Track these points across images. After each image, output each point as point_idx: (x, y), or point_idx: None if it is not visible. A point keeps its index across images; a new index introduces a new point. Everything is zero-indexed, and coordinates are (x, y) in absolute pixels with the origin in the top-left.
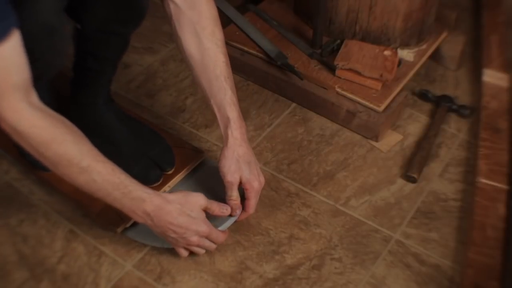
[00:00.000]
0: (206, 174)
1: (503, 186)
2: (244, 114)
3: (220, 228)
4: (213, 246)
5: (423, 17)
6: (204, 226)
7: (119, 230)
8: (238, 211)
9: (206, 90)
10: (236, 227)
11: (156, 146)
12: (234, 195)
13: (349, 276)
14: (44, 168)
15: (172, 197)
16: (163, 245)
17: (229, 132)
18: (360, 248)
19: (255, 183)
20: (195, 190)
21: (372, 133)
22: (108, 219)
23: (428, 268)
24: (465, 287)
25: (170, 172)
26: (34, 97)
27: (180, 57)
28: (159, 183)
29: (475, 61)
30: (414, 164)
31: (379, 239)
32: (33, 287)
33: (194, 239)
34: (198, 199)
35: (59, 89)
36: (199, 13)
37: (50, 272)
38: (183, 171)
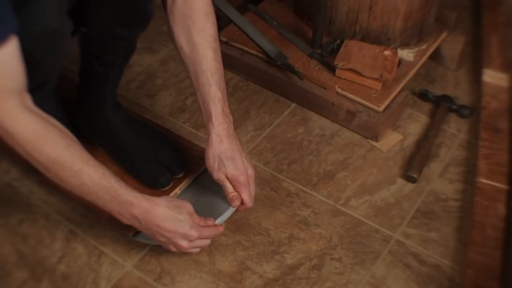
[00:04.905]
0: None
1: (503, 186)
2: (244, 114)
3: (217, 222)
4: (206, 243)
5: (423, 17)
6: (192, 231)
7: (131, 234)
8: (238, 202)
9: (194, 83)
10: (236, 227)
11: (165, 150)
12: (229, 189)
13: (349, 276)
14: None
15: (160, 201)
16: None
17: (211, 128)
18: (360, 248)
19: (241, 177)
20: (204, 191)
21: (372, 133)
22: (119, 224)
23: (428, 268)
24: (465, 287)
25: (180, 176)
26: (29, 101)
27: None
28: (169, 186)
29: (475, 61)
30: (414, 164)
31: (379, 239)
32: (33, 287)
33: (184, 243)
34: (186, 205)
35: (65, 94)
36: (191, 8)
37: (50, 272)
38: (192, 174)
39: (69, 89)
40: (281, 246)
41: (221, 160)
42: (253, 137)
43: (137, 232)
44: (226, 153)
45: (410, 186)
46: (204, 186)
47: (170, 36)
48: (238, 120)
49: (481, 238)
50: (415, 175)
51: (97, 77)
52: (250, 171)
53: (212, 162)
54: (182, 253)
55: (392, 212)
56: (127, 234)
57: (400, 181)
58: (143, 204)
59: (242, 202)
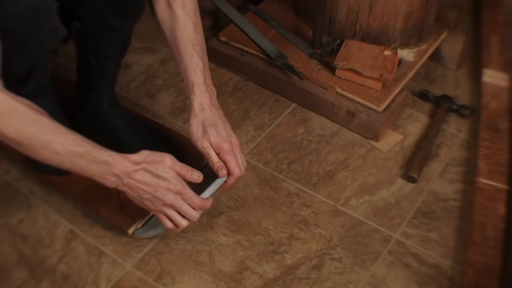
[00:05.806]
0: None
1: (503, 186)
2: (244, 114)
3: (204, 195)
4: (194, 213)
5: (423, 17)
6: (175, 182)
7: (130, 231)
8: (224, 171)
9: (176, 57)
10: (236, 227)
11: (164, 149)
12: (214, 158)
13: (349, 276)
14: (54, 172)
15: (136, 157)
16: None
17: (193, 98)
18: (360, 248)
19: (224, 144)
20: (205, 188)
21: (372, 133)
22: (118, 221)
23: (428, 268)
24: (465, 287)
25: None
26: (0, 85)
27: None
28: None
29: (475, 61)
30: (414, 164)
31: (379, 239)
32: (33, 287)
33: (169, 197)
34: (163, 159)
35: (65, 94)
36: None
37: (50, 272)
38: None
39: (69, 89)
40: (281, 246)
41: (204, 127)
42: (253, 137)
43: (136, 229)
44: (208, 120)
45: (410, 186)
46: (203, 183)
47: (153, 17)
48: (238, 120)
49: (481, 238)
50: (415, 175)
51: (94, 72)
52: (234, 140)
53: (196, 131)
54: (175, 230)
55: (392, 212)
56: (126, 231)
57: (400, 181)
58: (121, 161)
59: (229, 173)
